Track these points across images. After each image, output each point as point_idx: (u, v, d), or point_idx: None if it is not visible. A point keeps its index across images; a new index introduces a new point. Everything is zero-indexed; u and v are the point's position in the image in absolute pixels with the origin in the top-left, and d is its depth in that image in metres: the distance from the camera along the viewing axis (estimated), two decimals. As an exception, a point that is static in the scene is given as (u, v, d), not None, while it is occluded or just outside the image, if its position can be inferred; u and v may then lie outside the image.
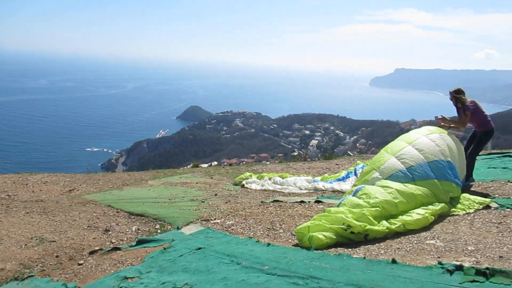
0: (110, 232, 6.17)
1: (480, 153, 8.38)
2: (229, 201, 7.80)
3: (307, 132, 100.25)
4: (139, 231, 6.25)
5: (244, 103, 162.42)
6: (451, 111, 7.63)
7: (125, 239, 5.90)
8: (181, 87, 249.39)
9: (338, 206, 5.48)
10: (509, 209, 5.48)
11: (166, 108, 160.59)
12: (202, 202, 7.73)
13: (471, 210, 5.57)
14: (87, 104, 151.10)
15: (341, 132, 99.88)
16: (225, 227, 5.88)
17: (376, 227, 4.85)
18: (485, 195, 6.35)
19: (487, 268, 3.40)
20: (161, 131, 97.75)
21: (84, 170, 19.32)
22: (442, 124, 7.47)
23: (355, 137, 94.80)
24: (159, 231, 6.17)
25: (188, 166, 21.47)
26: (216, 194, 8.52)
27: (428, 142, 6.48)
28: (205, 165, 23.57)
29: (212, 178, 10.86)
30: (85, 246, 5.54)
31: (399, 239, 4.71)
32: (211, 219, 6.36)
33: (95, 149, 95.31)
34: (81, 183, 10.41)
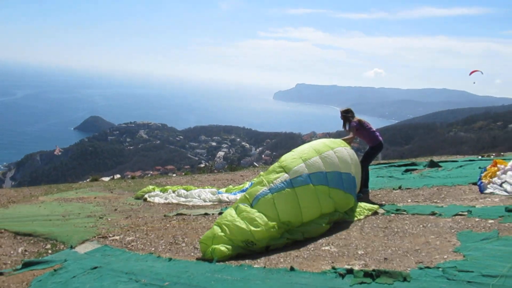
0: (-10, 256, 5.52)
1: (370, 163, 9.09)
2: (130, 216, 7.48)
3: (214, 143, 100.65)
4: (26, 253, 5.68)
5: (148, 114, 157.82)
6: None
7: (9, 262, 5.31)
8: (79, 96, 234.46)
9: (252, 205, 5.41)
10: (393, 214, 6.02)
11: (63, 118, 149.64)
12: (100, 218, 7.30)
13: (362, 217, 6.03)
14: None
15: (247, 144, 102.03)
16: (125, 244, 5.61)
17: (278, 241, 5.03)
18: (374, 202, 6.93)
19: (373, 270, 3.69)
20: (56, 148, 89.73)
21: (-39, 186, 17.09)
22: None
23: (260, 148, 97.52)
24: (50, 251, 5.66)
25: (87, 180, 20.14)
26: (116, 209, 8.12)
27: (345, 153, 6.67)
28: (107, 179, 22.28)
29: (112, 192, 10.34)
30: (-41, 274, 4.87)
31: (297, 246, 4.91)
32: (110, 236, 6.03)
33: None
34: (-44, 201, 9.20)
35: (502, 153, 12.91)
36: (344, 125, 7.81)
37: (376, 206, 6.36)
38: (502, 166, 7.53)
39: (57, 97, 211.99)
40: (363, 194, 7.45)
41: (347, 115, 7.74)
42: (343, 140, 7.36)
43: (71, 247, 5.56)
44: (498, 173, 7.34)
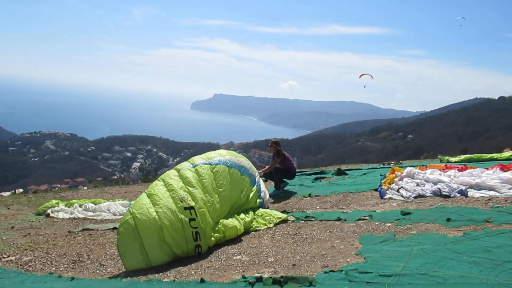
0: None
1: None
2: (29, 233, 6.87)
3: (128, 154, 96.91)
4: None
5: (55, 123, 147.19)
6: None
7: None
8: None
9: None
10: (303, 221, 6.25)
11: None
12: (-6, 237, 6.61)
13: (271, 225, 6.18)
14: None
15: (164, 154, 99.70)
16: (21, 264, 5.13)
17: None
18: (284, 210, 7.15)
19: (282, 277, 3.77)
20: None
21: None
22: (261, 166, 9.60)
23: (178, 158, 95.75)
24: None
25: (-19, 196, 18.15)
26: (13, 227, 7.41)
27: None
28: (7, 193, 20.28)
29: (9, 208, 9.44)
30: None
31: (209, 257, 4.87)
32: (4, 257, 5.47)
33: None
34: None
35: (400, 161, 14.10)
36: (274, 151, 9.27)
37: (285, 215, 6.53)
38: (399, 173, 8.23)
39: None
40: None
41: (276, 146, 9.22)
42: (268, 167, 9.34)
43: (-44, 272, 4.95)
44: (395, 179, 8.00)
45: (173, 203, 5.08)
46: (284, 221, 6.33)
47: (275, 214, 6.50)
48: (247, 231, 6.04)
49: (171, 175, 5.59)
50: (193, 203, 5.19)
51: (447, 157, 11.76)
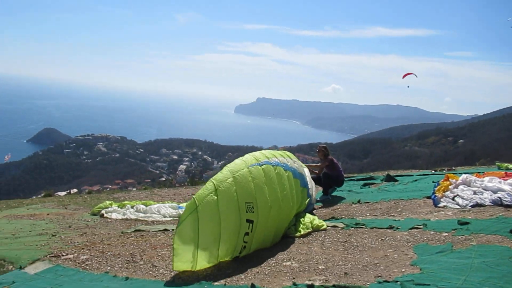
0: None
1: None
2: (85, 233, 7.17)
3: (175, 157, 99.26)
4: (-30, 275, 5.29)
5: (107, 126, 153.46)
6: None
7: (-50, 286, 4.93)
8: (32, 107, 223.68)
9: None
10: (353, 228, 6.12)
11: (14, 129, 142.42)
12: (53, 236, 6.95)
13: (307, 231, 6.10)
14: None
15: (209, 157, 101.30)
16: (79, 263, 5.35)
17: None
18: (333, 216, 7.04)
19: (334, 285, 3.70)
20: (6, 156, 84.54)
21: None
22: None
23: (222, 162, 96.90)
24: (-4, 273, 5.30)
25: (40, 196, 19.24)
26: (70, 226, 7.77)
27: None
28: (63, 193, 21.42)
29: (66, 208, 9.91)
30: None
31: (259, 263, 4.87)
32: (63, 255, 5.73)
33: None
34: None
35: (453, 168, 13.49)
36: (322, 157, 9.35)
37: (325, 225, 6.37)
38: (454, 181, 7.86)
39: (7, 107, 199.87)
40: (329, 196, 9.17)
41: (325, 150, 9.33)
42: (315, 166, 9.50)
43: (20, 268, 5.24)
44: (450, 187, 7.65)
45: (237, 210, 4.87)
46: (333, 227, 6.23)
47: (323, 222, 6.43)
48: (293, 236, 5.99)
49: (243, 172, 5.17)
50: (254, 216, 5.02)
51: (506, 164, 11.12)
